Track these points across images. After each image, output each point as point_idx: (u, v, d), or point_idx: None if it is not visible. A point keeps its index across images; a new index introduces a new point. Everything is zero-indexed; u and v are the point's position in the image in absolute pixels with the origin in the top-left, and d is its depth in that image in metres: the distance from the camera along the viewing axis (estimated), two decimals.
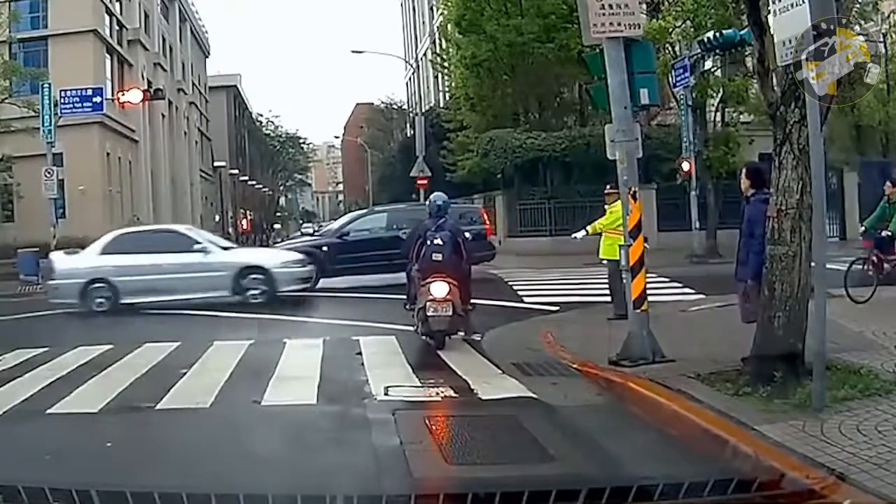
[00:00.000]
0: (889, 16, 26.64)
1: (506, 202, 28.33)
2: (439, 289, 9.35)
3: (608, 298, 12.32)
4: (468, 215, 19.06)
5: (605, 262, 11.49)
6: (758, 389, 5.98)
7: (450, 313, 9.35)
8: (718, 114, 25.26)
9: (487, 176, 30.50)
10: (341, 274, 17.77)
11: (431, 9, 52.52)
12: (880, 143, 27.11)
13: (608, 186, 11.40)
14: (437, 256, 9.63)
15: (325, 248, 18.18)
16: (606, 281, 11.62)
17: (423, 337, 9.61)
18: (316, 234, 27.83)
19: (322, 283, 17.55)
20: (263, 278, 15.08)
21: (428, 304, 9.36)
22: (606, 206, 11.50)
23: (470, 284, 10.18)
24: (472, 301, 10.16)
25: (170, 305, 14.48)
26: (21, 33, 30.82)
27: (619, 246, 8.29)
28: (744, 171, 8.03)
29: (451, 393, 7.32)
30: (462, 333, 9.82)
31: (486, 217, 19.93)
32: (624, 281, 9.10)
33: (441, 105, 45.76)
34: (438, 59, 39.94)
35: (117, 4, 39.02)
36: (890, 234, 11.50)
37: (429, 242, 9.72)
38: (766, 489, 3.66)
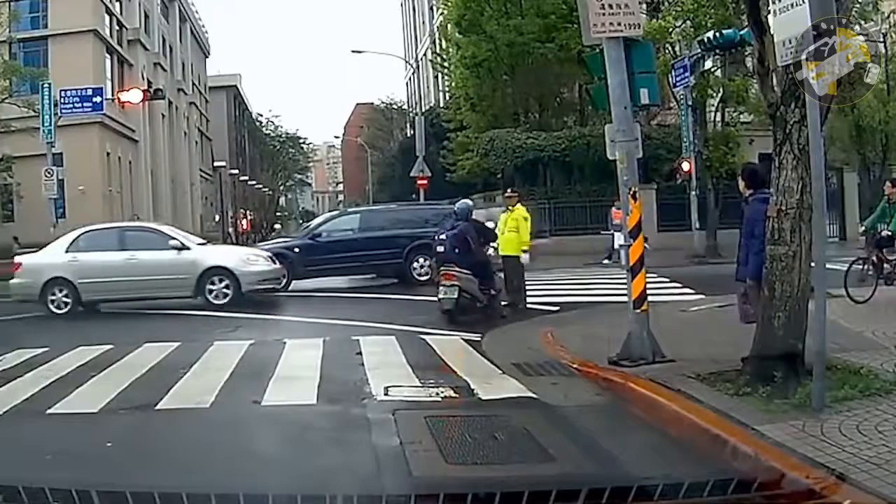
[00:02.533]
0: (889, 16, 26.59)
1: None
2: (447, 276, 11.62)
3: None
4: (432, 219, 18.76)
5: (505, 257, 12.71)
6: (758, 389, 5.98)
7: (454, 296, 11.53)
8: (718, 114, 25.26)
9: (487, 176, 30.50)
10: (313, 276, 17.62)
11: (431, 9, 52.52)
12: (880, 143, 27.05)
13: (509, 190, 13.86)
14: (440, 248, 12.08)
15: (296, 250, 17.93)
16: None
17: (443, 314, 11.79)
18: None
19: (305, 283, 17.51)
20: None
21: (440, 287, 11.74)
22: (510, 209, 12.89)
23: (490, 272, 12.15)
24: (496, 287, 12.12)
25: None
26: (21, 33, 30.82)
27: (620, 246, 8.31)
28: (741, 172, 8.05)
29: (451, 393, 7.32)
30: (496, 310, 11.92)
31: None
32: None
33: (441, 105, 45.74)
34: (438, 59, 39.97)
35: (117, 4, 39.01)
36: (890, 233, 11.49)
37: (436, 238, 12.36)
38: (766, 489, 3.66)
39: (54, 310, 14.60)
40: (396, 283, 17.64)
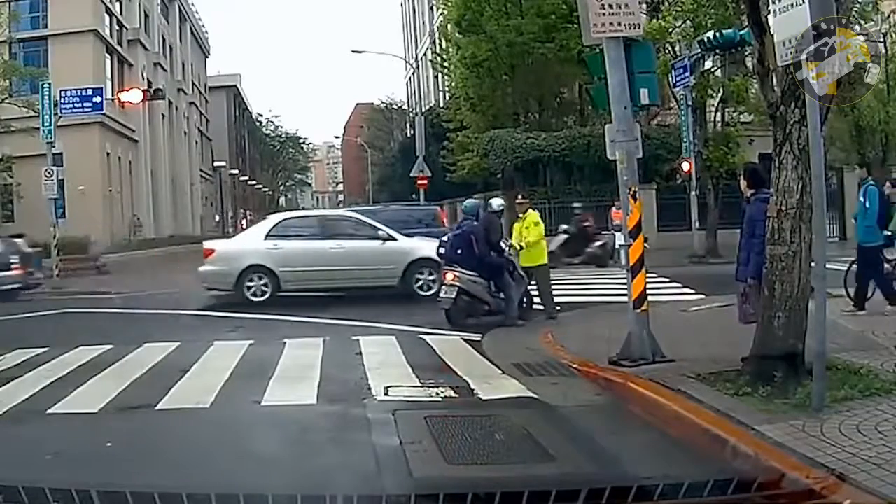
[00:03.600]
0: (889, 16, 26.59)
1: (505, 202, 28.31)
2: (447, 276, 11.44)
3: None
4: (424, 219, 18.48)
5: (530, 268, 11.98)
6: (758, 389, 5.98)
7: (452, 297, 11.28)
8: (718, 114, 25.26)
9: (487, 176, 30.50)
10: None
11: (431, 9, 52.52)
12: (880, 143, 27.06)
13: (519, 196, 13.03)
14: (441, 250, 11.91)
15: None
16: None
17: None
18: None
19: None
20: None
21: (441, 287, 11.62)
22: (521, 216, 12.29)
23: (502, 276, 11.47)
24: (507, 292, 11.42)
25: None
26: (21, 33, 30.84)
27: (620, 246, 8.31)
28: (742, 172, 8.06)
29: (451, 393, 7.32)
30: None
31: (444, 220, 19.21)
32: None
33: (441, 105, 45.75)
34: (438, 59, 39.92)
35: (117, 4, 39.01)
36: (890, 233, 11.48)
37: (441, 239, 12.15)
38: (766, 489, 3.65)
39: (251, 298, 14.46)
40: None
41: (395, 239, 14.94)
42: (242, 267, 14.51)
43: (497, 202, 12.49)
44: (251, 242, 15.02)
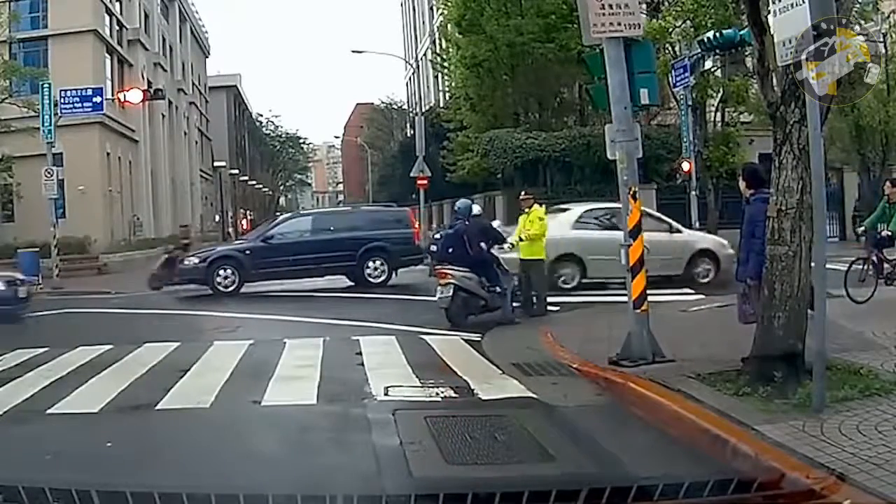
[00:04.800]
0: (889, 16, 26.60)
1: (506, 202, 28.32)
2: (441, 275, 11.53)
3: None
4: (394, 221, 18.31)
5: (527, 261, 12.24)
6: (758, 389, 5.99)
7: (450, 295, 11.36)
8: (718, 114, 25.28)
9: (487, 176, 30.48)
10: (263, 278, 17.29)
11: (431, 9, 52.50)
12: (880, 143, 27.04)
13: (522, 193, 13.21)
14: (434, 248, 12.16)
15: (247, 252, 17.51)
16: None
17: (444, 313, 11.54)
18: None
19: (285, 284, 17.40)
20: None
21: (437, 287, 11.62)
22: (526, 211, 12.42)
23: (493, 270, 11.69)
24: (501, 287, 11.64)
25: None
26: (21, 33, 30.76)
27: (620, 246, 8.30)
28: (742, 172, 8.06)
29: (451, 393, 7.32)
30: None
31: (414, 220, 19.23)
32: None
33: (441, 105, 45.70)
34: (438, 59, 39.91)
35: (117, 4, 38.96)
36: (890, 233, 11.49)
37: (433, 238, 12.35)
38: (766, 489, 3.65)
39: (560, 285, 14.65)
40: (395, 284, 17.62)
41: (680, 231, 15.70)
42: (553, 256, 14.37)
43: (476, 208, 12.58)
44: (559, 231, 14.81)
